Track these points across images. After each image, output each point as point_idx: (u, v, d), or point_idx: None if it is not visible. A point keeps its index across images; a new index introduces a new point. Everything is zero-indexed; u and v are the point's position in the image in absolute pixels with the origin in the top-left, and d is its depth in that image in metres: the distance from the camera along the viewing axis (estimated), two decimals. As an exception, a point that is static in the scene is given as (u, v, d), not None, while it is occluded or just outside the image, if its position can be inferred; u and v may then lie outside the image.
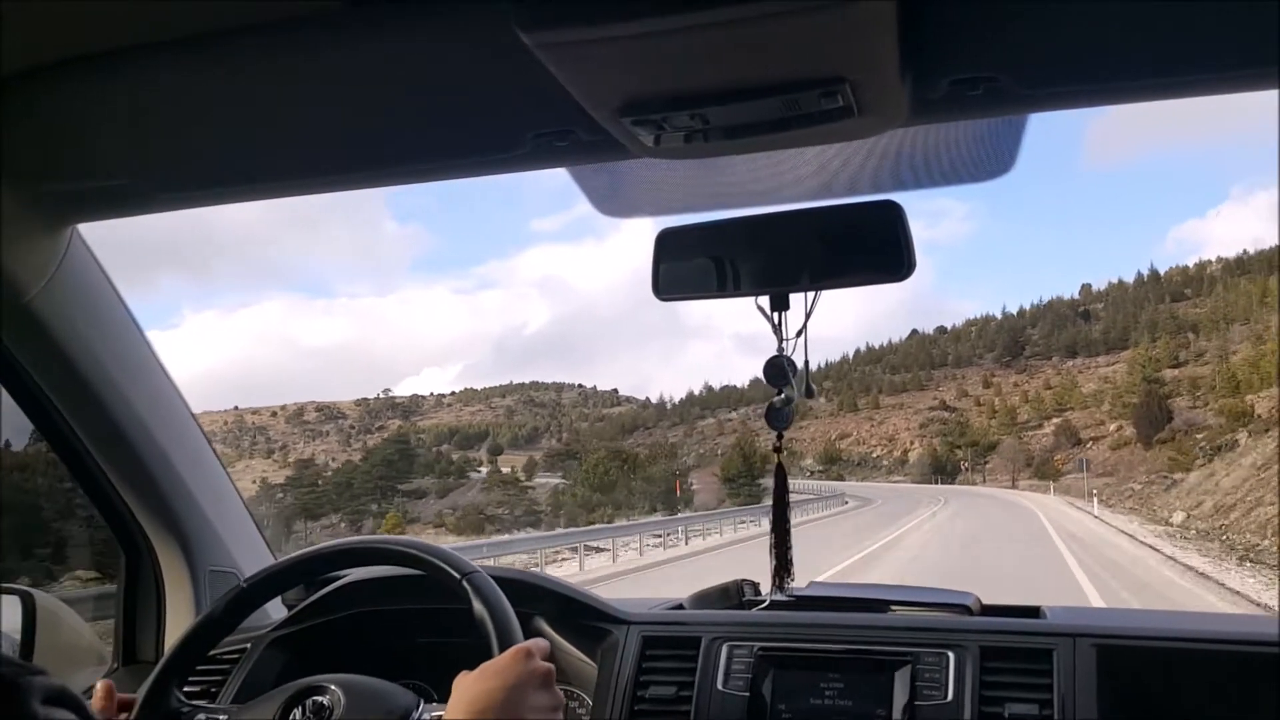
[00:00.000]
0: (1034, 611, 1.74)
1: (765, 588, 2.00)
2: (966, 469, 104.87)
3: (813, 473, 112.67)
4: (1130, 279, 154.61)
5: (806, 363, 1.55)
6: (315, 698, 1.31)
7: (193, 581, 1.89)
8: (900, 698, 1.50)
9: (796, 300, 1.51)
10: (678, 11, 0.84)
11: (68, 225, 1.51)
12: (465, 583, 1.34)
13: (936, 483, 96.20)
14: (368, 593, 1.76)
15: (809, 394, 1.55)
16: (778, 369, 1.54)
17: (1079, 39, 1.00)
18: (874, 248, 1.43)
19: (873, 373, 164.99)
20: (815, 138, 1.13)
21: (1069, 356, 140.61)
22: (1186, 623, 1.70)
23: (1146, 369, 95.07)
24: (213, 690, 1.67)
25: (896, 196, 1.42)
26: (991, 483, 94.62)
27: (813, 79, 0.95)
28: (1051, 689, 1.45)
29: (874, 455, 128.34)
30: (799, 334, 1.52)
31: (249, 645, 1.74)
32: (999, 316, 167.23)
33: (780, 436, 1.62)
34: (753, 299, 1.52)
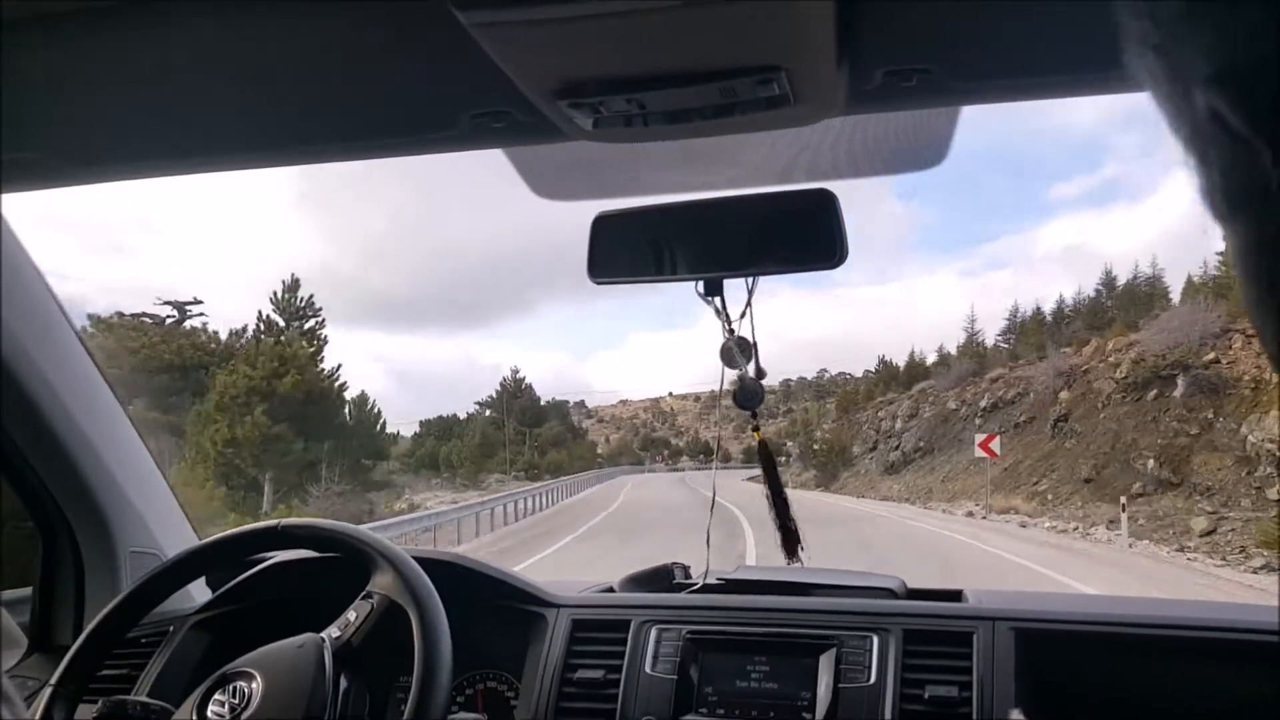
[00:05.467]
0: (956, 595, 1.78)
1: (696, 570, 2.02)
2: None
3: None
4: None
5: (755, 344, 1.56)
6: (233, 684, 1.29)
7: (113, 564, 1.85)
8: (825, 680, 1.52)
9: (736, 286, 1.52)
10: None
11: None
12: (279, 528, 1.45)
13: None
14: (292, 574, 1.73)
15: (758, 375, 1.56)
16: (729, 352, 1.55)
17: (1012, 34, 1.02)
18: (808, 235, 1.44)
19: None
20: (752, 125, 1.14)
21: None
22: (1105, 606, 1.75)
23: None
24: (133, 674, 1.64)
25: (832, 184, 1.43)
26: None
27: (749, 66, 0.95)
28: (971, 671, 1.49)
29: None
30: (742, 316, 1.53)
31: (170, 628, 1.70)
32: None
33: (755, 415, 1.64)
34: (691, 284, 1.53)
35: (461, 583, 1.66)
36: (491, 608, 1.74)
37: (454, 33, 0.88)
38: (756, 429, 1.69)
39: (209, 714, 1.27)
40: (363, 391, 41.85)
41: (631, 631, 1.64)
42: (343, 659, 1.30)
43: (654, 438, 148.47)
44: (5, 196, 1.50)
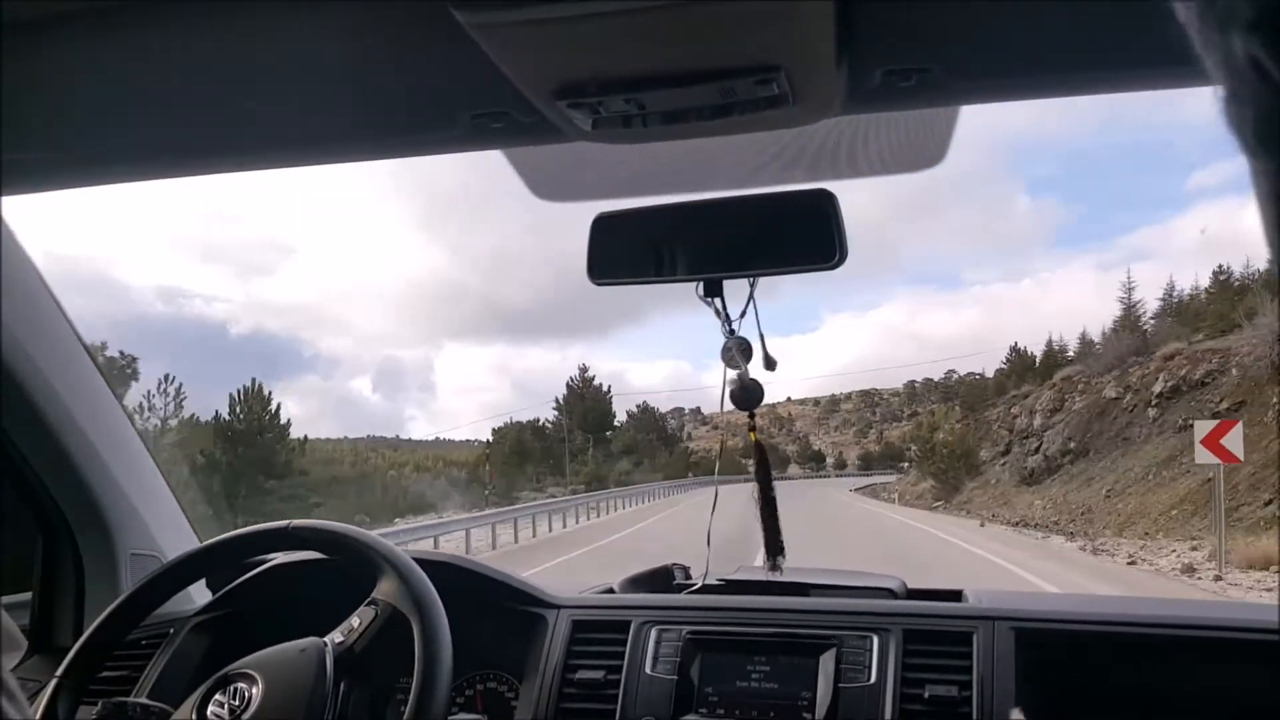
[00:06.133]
0: (956, 595, 1.78)
1: (696, 571, 2.02)
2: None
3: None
4: None
5: (762, 338, 1.55)
6: (233, 685, 1.29)
7: (114, 566, 1.85)
8: (825, 680, 1.52)
9: (738, 286, 1.52)
10: None
11: None
12: (290, 529, 1.43)
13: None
14: (292, 575, 1.73)
15: (769, 366, 1.56)
16: (730, 353, 1.54)
17: (1012, 33, 1.02)
18: (807, 235, 1.44)
19: None
20: (751, 125, 1.14)
21: None
22: (1105, 606, 1.75)
23: None
24: (133, 676, 1.64)
25: (832, 185, 1.43)
26: None
27: (747, 66, 0.95)
28: (971, 670, 1.49)
29: None
30: (742, 315, 1.53)
31: (171, 630, 1.70)
32: None
33: (752, 416, 1.64)
34: (691, 285, 1.53)
35: (462, 583, 1.66)
36: (492, 608, 1.74)
37: (453, 33, 0.88)
38: (753, 429, 1.68)
39: (209, 714, 1.27)
40: (255, 381, 35.26)
41: (631, 632, 1.64)
42: (344, 664, 1.30)
43: (768, 444, 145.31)
44: (9, 199, 1.50)
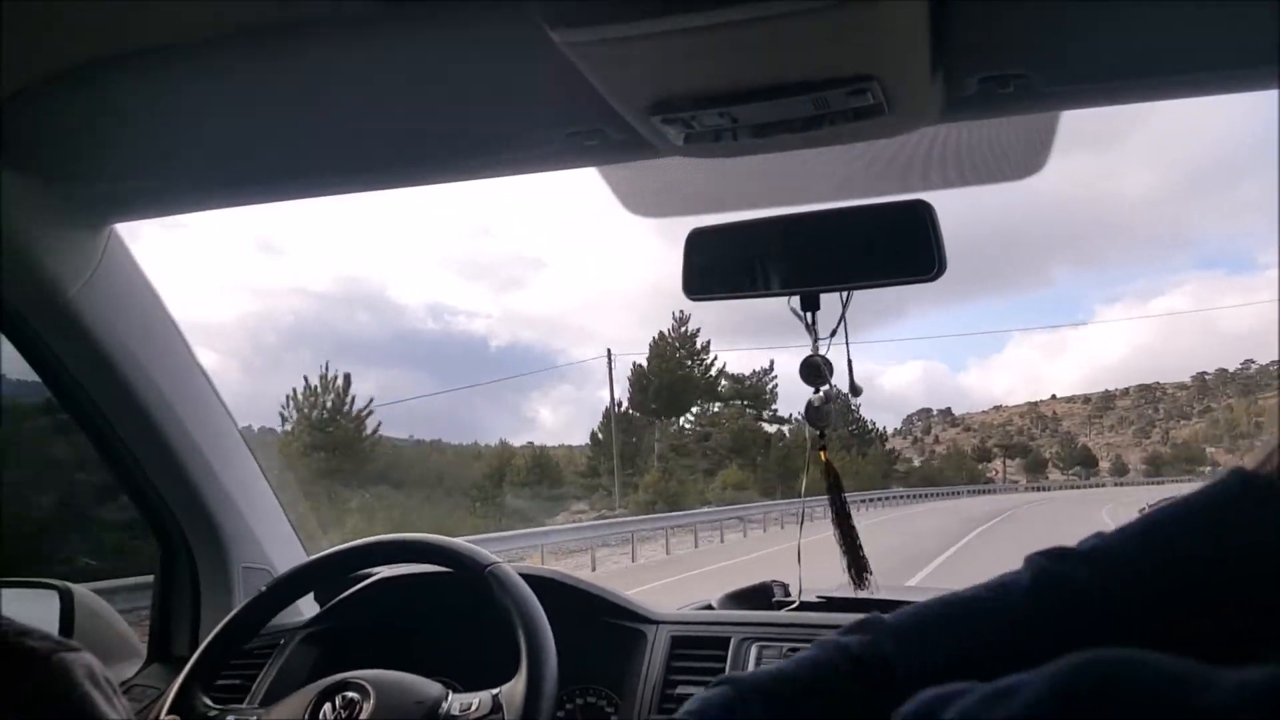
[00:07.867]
0: None
1: (795, 589, 1.99)
2: None
3: None
4: None
5: (850, 360, 1.54)
6: (346, 693, 1.32)
7: (227, 578, 1.91)
8: None
9: (831, 300, 1.51)
10: (706, 9, 0.85)
11: (106, 225, 1.54)
12: (488, 575, 1.38)
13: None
14: (398, 590, 1.77)
15: (855, 391, 1.54)
16: (813, 368, 1.53)
17: (1109, 36, 1.00)
18: (905, 247, 1.42)
19: None
20: (845, 136, 1.13)
21: None
22: None
23: None
24: (245, 685, 1.69)
25: (928, 195, 1.41)
26: None
27: (841, 77, 0.95)
28: None
29: None
30: (833, 333, 1.51)
31: (281, 641, 1.75)
32: None
33: (822, 435, 1.62)
34: (785, 299, 1.52)
35: (564, 599, 1.67)
36: (592, 623, 1.75)
37: (549, 53, 0.90)
38: (823, 448, 1.65)
39: (322, 714, 1.31)
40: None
41: (731, 649, 1.63)
42: None
43: (1016, 444, 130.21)
44: (132, 224, 1.58)
